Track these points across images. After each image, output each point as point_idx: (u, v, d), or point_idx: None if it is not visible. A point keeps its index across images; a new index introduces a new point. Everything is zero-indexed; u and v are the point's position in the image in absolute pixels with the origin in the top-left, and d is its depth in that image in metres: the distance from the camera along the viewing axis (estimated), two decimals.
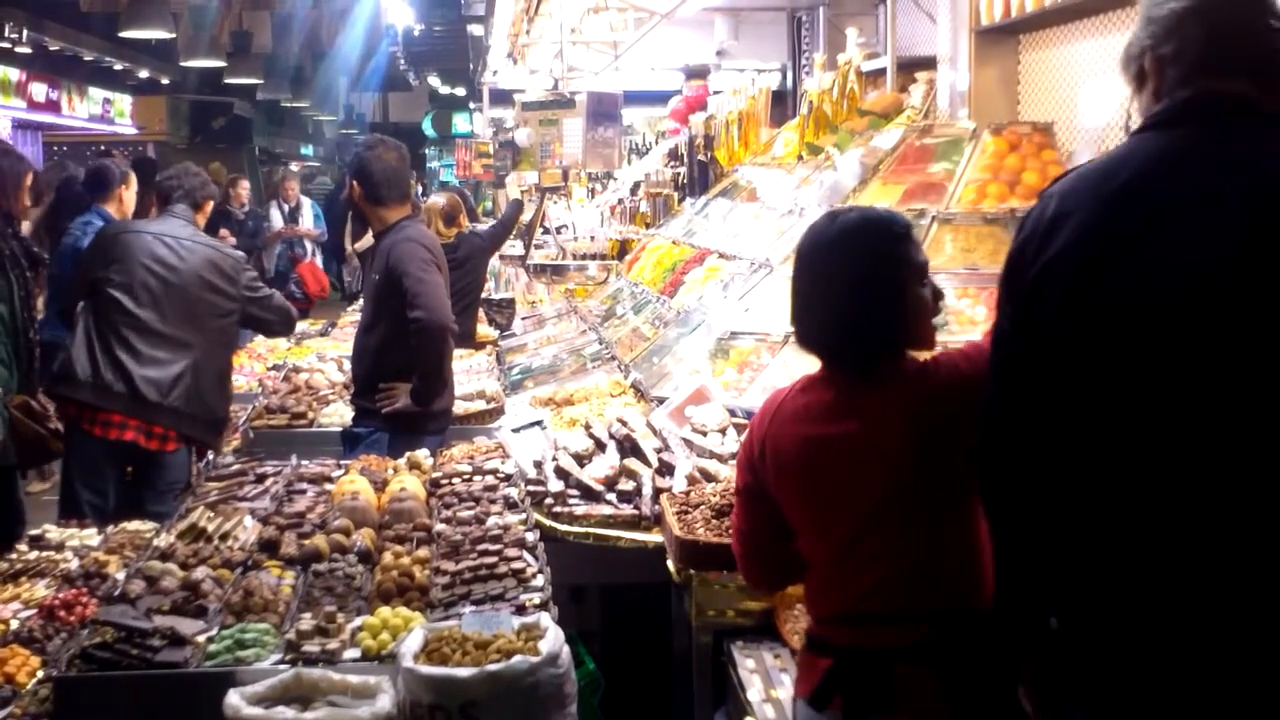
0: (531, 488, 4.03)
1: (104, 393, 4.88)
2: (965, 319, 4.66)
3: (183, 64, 15.39)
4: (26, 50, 14.29)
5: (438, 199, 7.65)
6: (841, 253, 2.47)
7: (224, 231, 9.58)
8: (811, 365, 5.01)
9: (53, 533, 3.93)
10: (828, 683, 2.42)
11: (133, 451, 4.94)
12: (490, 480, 4.10)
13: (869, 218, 2.54)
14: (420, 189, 19.64)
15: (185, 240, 5.12)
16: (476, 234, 7.87)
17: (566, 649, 2.77)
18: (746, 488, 2.62)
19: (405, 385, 4.77)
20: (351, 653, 2.87)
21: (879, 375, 2.46)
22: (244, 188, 12.60)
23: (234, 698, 2.61)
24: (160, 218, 5.29)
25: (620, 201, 11.76)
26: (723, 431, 4.28)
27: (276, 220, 12.95)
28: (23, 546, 3.84)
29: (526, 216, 9.32)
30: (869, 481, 2.43)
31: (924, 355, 2.54)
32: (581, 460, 4.17)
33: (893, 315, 2.46)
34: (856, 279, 2.45)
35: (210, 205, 5.42)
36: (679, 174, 10.08)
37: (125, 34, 12.24)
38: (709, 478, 3.94)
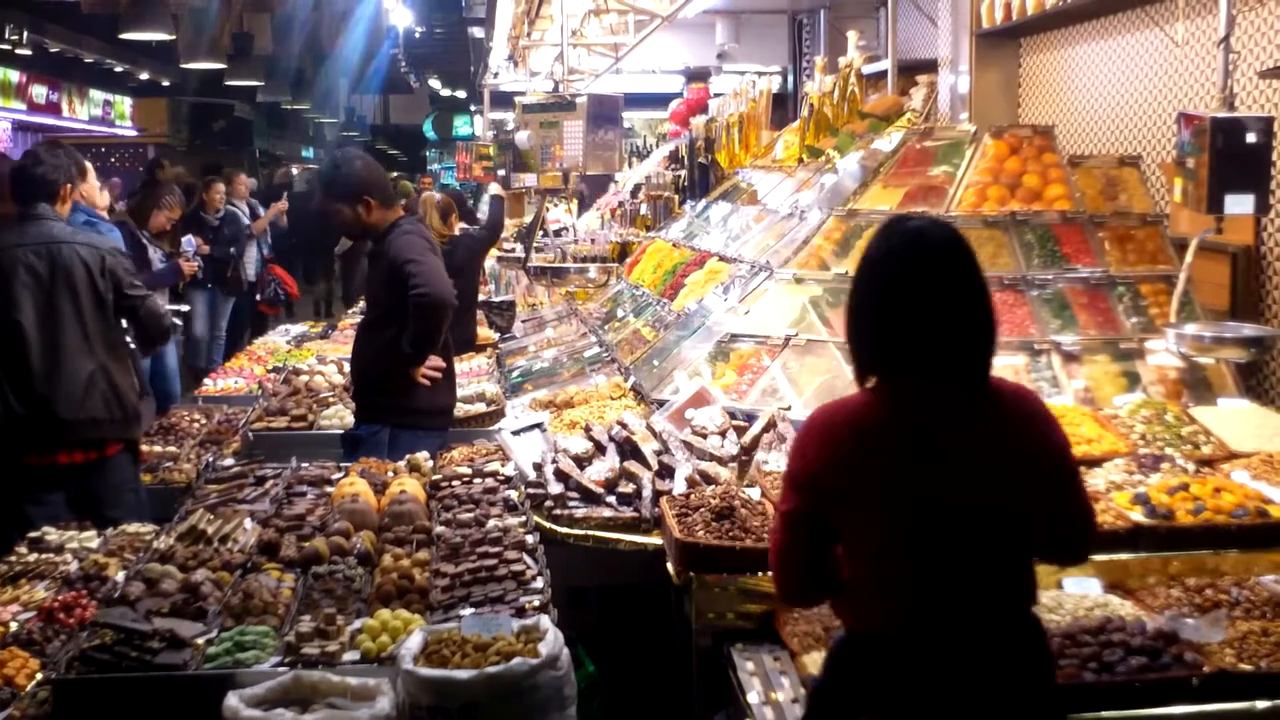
0: (531, 490, 4.03)
1: (20, 424, 4.61)
2: None
3: (183, 66, 15.39)
4: (27, 52, 14.31)
5: (433, 194, 7.73)
6: (956, 264, 2.43)
7: (198, 240, 9.07)
8: (812, 369, 5.00)
9: (52, 535, 3.92)
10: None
11: (72, 468, 4.71)
12: (490, 483, 4.10)
13: (954, 227, 2.53)
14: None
15: (57, 243, 4.70)
16: (469, 235, 7.87)
17: (566, 651, 2.77)
18: (799, 510, 2.49)
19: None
20: (351, 655, 2.88)
21: (978, 385, 2.45)
22: (218, 191, 11.21)
23: (233, 700, 2.62)
24: (24, 223, 4.76)
25: (621, 204, 11.76)
26: (723, 434, 4.28)
27: (245, 220, 11.87)
28: (22, 549, 3.83)
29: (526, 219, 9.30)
30: (974, 495, 2.42)
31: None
32: (581, 463, 4.17)
33: (993, 322, 2.47)
34: (974, 288, 2.44)
35: (69, 188, 4.87)
36: (679, 177, 10.08)
37: (125, 36, 12.24)
38: (709, 480, 3.94)
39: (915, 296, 2.40)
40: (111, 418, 4.75)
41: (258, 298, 11.97)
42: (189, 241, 8.45)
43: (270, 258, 12.19)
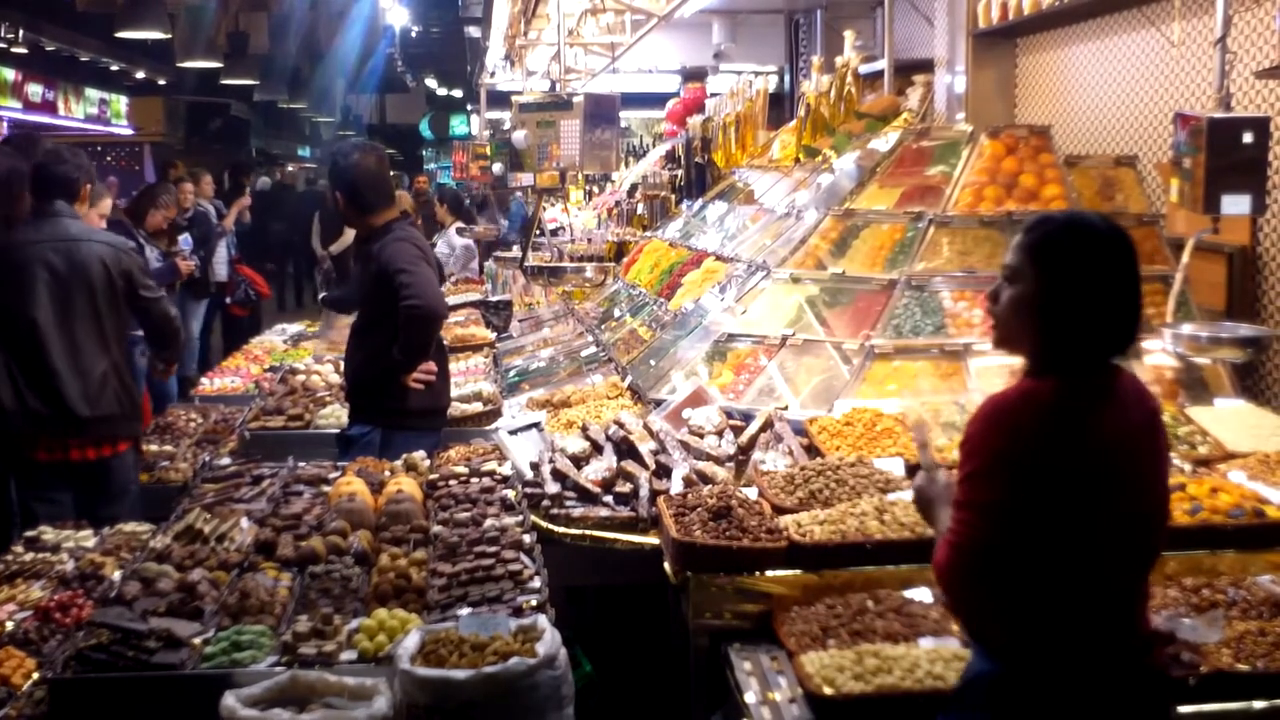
0: (528, 489, 4.03)
1: (36, 420, 4.64)
2: (962, 321, 4.66)
3: (179, 65, 15.36)
4: (23, 50, 14.28)
5: (404, 192, 7.71)
6: (1132, 250, 2.47)
7: (177, 244, 8.94)
8: (809, 368, 4.99)
9: (49, 534, 3.92)
10: None
11: (84, 464, 4.75)
12: (487, 482, 4.10)
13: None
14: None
15: (75, 240, 4.75)
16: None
17: (563, 651, 2.77)
18: (992, 500, 2.37)
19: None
20: (348, 654, 2.87)
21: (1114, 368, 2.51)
22: (187, 190, 10.69)
23: (230, 700, 2.61)
24: (40, 220, 4.79)
25: (617, 203, 11.76)
26: (719, 434, 4.28)
27: (214, 220, 11.29)
28: (19, 548, 3.83)
29: (504, 224, 9.24)
30: (1158, 476, 2.51)
31: None
32: (578, 462, 4.17)
33: None
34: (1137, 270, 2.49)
35: (90, 188, 4.94)
36: (676, 176, 10.09)
37: (121, 34, 12.23)
38: (706, 480, 3.94)
39: (1123, 293, 2.43)
40: (124, 414, 4.81)
41: (228, 300, 11.53)
42: (186, 240, 8.44)
43: (238, 258, 11.77)
